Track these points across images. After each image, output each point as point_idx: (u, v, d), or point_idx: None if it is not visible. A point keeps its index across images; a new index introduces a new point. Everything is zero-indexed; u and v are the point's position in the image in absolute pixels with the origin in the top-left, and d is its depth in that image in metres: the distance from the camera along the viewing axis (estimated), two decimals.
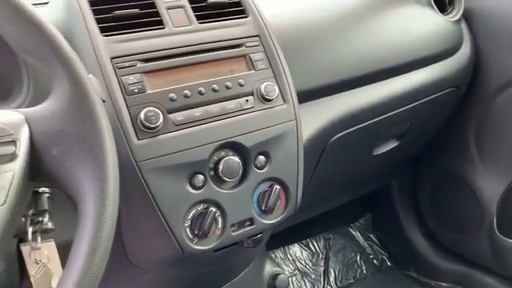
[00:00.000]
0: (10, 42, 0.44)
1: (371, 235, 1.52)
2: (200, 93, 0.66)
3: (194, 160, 0.64)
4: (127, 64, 0.63)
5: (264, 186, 0.70)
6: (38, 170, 0.42)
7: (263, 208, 0.70)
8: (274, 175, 0.70)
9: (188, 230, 0.65)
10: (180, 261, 0.70)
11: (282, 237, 1.19)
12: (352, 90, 0.88)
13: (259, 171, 0.69)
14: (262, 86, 0.70)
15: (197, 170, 0.65)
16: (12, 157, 0.41)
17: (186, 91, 0.66)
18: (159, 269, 0.75)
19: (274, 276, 0.95)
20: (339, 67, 0.87)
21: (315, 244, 1.45)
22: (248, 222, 0.69)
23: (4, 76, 0.65)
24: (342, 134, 0.88)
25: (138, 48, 0.65)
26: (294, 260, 1.40)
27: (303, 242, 1.44)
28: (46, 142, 0.42)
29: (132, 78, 0.63)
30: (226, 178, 0.66)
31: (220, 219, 0.67)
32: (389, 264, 1.48)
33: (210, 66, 0.69)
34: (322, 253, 1.44)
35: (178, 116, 0.64)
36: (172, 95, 0.65)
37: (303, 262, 1.41)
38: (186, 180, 0.64)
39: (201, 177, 0.65)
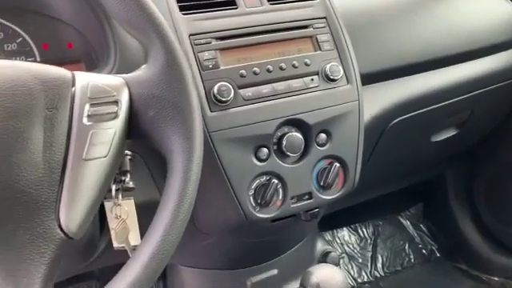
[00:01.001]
0: (113, 14, 0.50)
1: (421, 225, 1.51)
2: (268, 70, 0.70)
3: (260, 134, 0.68)
4: (203, 41, 0.68)
5: (324, 163, 0.73)
6: (134, 129, 0.48)
7: (322, 184, 0.73)
8: (334, 153, 0.73)
9: (251, 198, 0.69)
10: (241, 228, 0.75)
11: (331, 220, 1.21)
12: (414, 75, 0.88)
13: (320, 148, 0.72)
14: (327, 67, 0.73)
15: (262, 143, 0.69)
16: (114, 115, 0.46)
17: (256, 68, 0.69)
18: (221, 235, 0.80)
19: (325, 253, 0.98)
20: (402, 52, 0.87)
21: (364, 230, 1.47)
22: (307, 196, 0.73)
23: (92, 47, 0.71)
24: (402, 118, 0.89)
25: (213, 26, 0.69)
26: (342, 243, 1.43)
27: (352, 226, 1.46)
28: (143, 104, 0.47)
29: (207, 55, 0.67)
30: (288, 153, 0.70)
31: (281, 191, 0.71)
32: (438, 255, 1.47)
33: (279, 46, 0.73)
34: (371, 238, 1.46)
35: (247, 92, 0.68)
36: (242, 72, 0.69)
37: (351, 246, 1.43)
38: (251, 152, 0.68)
39: (265, 150, 0.69)
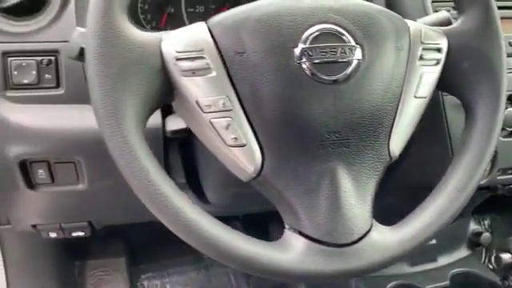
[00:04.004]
0: None
1: None
2: (510, 44, 0.73)
3: None
4: None
5: None
6: (444, 77, 0.50)
7: None
8: None
9: None
10: None
11: None
12: None
13: None
14: None
15: None
16: (437, 61, 0.50)
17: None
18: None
19: (477, 233, 1.01)
20: None
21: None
22: (511, 171, 0.75)
23: None
24: None
25: None
26: None
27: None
28: (459, 54, 0.50)
29: None
30: (506, 127, 0.73)
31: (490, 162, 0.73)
32: None
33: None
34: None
35: None
36: None
37: None
38: None
39: None
